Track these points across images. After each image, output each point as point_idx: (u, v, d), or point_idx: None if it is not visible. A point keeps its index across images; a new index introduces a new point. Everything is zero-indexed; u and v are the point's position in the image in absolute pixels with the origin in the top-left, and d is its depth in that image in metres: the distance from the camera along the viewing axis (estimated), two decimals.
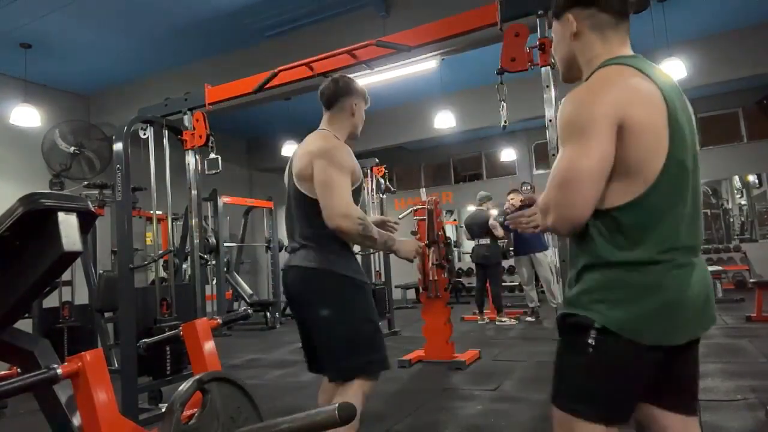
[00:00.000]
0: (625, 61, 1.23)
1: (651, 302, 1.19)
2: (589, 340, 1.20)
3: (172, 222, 4.57)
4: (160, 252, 4.90)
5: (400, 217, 6.15)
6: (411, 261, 2.12)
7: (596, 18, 1.29)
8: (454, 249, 11.57)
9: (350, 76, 2.13)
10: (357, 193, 2.04)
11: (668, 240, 1.20)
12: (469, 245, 13.17)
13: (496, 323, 6.80)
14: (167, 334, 2.00)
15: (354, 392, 1.86)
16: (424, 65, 5.62)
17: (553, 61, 1.49)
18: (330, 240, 1.96)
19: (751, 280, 7.59)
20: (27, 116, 6.77)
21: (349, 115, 2.14)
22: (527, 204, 1.70)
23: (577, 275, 1.27)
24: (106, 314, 5.07)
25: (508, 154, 11.72)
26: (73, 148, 7.09)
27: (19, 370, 1.80)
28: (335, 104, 2.12)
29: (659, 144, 1.15)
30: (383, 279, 6.54)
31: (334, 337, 1.92)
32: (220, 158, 3.65)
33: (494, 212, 7.22)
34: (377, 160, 6.60)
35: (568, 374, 1.26)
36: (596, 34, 1.29)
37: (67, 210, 1.53)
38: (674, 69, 6.57)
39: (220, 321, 2.00)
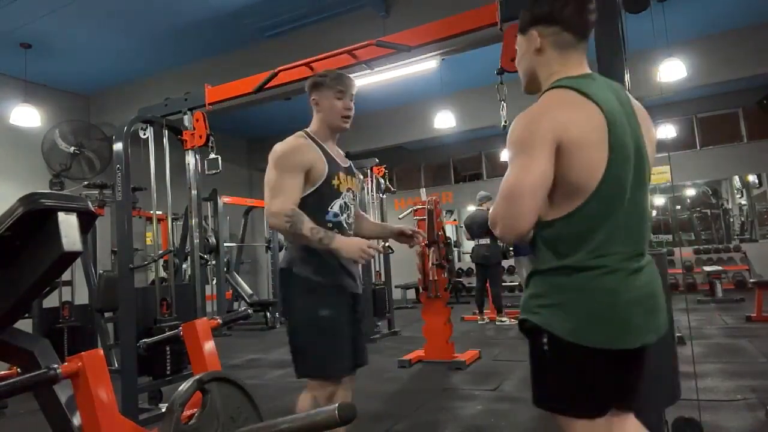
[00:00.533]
0: (570, 83, 1.30)
1: (584, 306, 1.27)
2: (544, 344, 1.29)
3: (172, 222, 4.57)
4: (160, 252, 4.90)
5: (400, 217, 6.15)
6: (356, 263, 1.95)
7: (559, 36, 1.35)
8: (454, 249, 11.57)
9: (350, 75, 2.10)
10: (322, 192, 1.95)
11: (602, 247, 1.28)
12: (469, 245, 13.17)
13: (496, 323, 6.80)
14: (167, 334, 2.00)
15: (306, 393, 1.94)
16: (424, 65, 5.61)
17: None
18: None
19: (751, 280, 7.59)
20: (27, 116, 6.77)
21: (316, 111, 2.08)
22: None
23: (527, 281, 1.39)
24: (106, 314, 5.07)
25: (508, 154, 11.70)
26: (73, 148, 7.09)
27: (19, 370, 1.80)
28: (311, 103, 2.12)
29: (597, 161, 1.23)
30: (383, 279, 6.54)
31: (288, 333, 2.02)
32: (220, 158, 3.65)
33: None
34: (377, 160, 6.60)
35: (537, 376, 1.35)
36: (557, 51, 1.36)
37: (67, 210, 1.53)
38: (674, 69, 6.58)
39: (220, 321, 2.00)
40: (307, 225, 1.85)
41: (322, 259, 1.92)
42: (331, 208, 1.97)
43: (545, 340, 1.29)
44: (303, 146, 1.97)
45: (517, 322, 1.40)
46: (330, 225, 1.95)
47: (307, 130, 2.06)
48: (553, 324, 1.28)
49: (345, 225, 2.02)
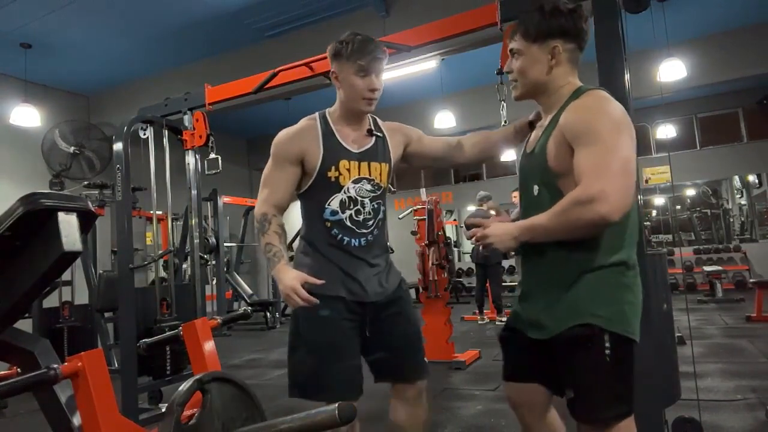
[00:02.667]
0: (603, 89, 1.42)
1: (636, 303, 1.34)
2: (606, 348, 1.29)
3: (172, 222, 4.57)
4: (160, 252, 4.90)
5: (399, 217, 6.15)
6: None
7: (574, 53, 1.43)
8: (454, 249, 11.57)
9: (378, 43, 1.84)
10: (318, 186, 1.70)
11: (636, 244, 1.38)
12: (468, 245, 13.18)
13: (496, 323, 6.80)
14: (167, 334, 2.00)
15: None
16: (424, 65, 5.60)
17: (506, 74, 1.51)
18: (301, 238, 1.82)
19: (751, 280, 7.59)
20: (27, 116, 6.77)
21: (337, 88, 1.77)
22: None
23: (571, 280, 1.34)
24: (106, 314, 5.08)
25: (508, 154, 11.70)
26: (73, 148, 7.09)
27: (19, 370, 1.80)
28: None
29: None
30: None
31: None
32: (220, 158, 3.65)
33: (493, 213, 7.21)
34: None
35: (599, 385, 1.31)
36: (569, 66, 1.43)
37: (67, 210, 1.53)
38: (674, 69, 6.58)
39: (219, 321, 2.00)
40: (265, 238, 1.67)
41: (316, 262, 1.71)
42: (328, 204, 1.70)
43: (608, 344, 1.28)
44: (301, 132, 1.73)
45: (557, 334, 1.34)
46: (329, 224, 1.70)
47: (329, 109, 1.79)
48: (617, 324, 1.29)
49: (351, 223, 1.71)
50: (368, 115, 1.79)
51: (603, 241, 1.31)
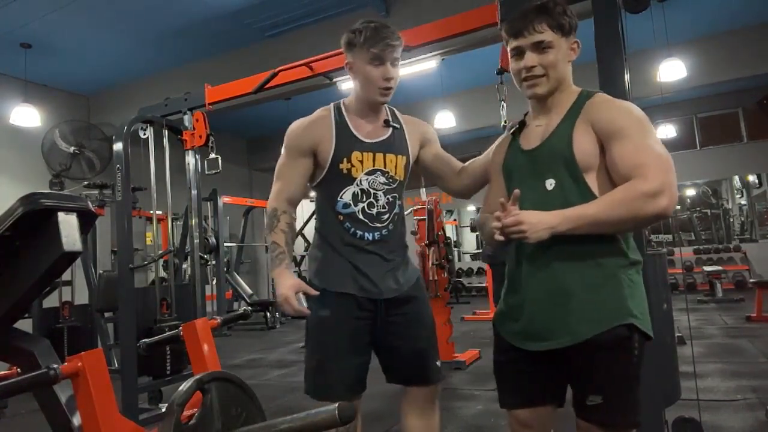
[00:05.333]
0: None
1: (646, 301, 1.34)
2: (635, 348, 1.27)
3: (172, 222, 4.57)
4: (160, 252, 4.90)
5: None
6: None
7: (576, 53, 1.43)
8: (454, 249, 11.57)
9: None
10: (330, 178, 1.65)
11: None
12: (468, 245, 13.19)
13: None
14: (167, 334, 1.99)
15: None
16: (424, 65, 5.61)
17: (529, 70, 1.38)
18: (316, 230, 1.76)
19: (751, 280, 7.60)
20: (27, 116, 6.77)
21: (351, 79, 1.71)
22: None
23: (600, 279, 1.29)
24: (106, 314, 5.07)
25: None
26: (73, 148, 7.09)
27: (19, 370, 1.80)
28: None
29: None
30: None
31: None
32: (220, 158, 3.65)
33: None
34: None
35: (629, 390, 1.28)
36: (569, 65, 1.43)
37: (67, 210, 1.53)
38: (674, 69, 6.57)
39: (219, 321, 2.00)
40: (272, 236, 1.63)
41: (327, 257, 1.67)
42: (340, 197, 1.64)
43: (636, 344, 1.27)
44: (314, 123, 1.68)
45: (588, 339, 1.26)
46: (341, 218, 1.64)
47: (344, 100, 1.74)
48: (645, 323, 1.29)
49: (363, 216, 1.64)
50: (385, 106, 1.73)
51: (625, 240, 1.32)
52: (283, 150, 1.70)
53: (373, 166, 1.66)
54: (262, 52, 6.88)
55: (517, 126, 1.52)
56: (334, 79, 3.36)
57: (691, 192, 11.45)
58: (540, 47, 1.35)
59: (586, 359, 1.28)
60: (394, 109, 1.80)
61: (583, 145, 1.31)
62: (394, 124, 1.73)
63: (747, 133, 9.97)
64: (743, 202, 11.14)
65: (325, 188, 1.68)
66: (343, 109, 1.71)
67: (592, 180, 1.30)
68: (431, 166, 1.83)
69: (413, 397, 1.73)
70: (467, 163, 1.79)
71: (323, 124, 1.67)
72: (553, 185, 1.34)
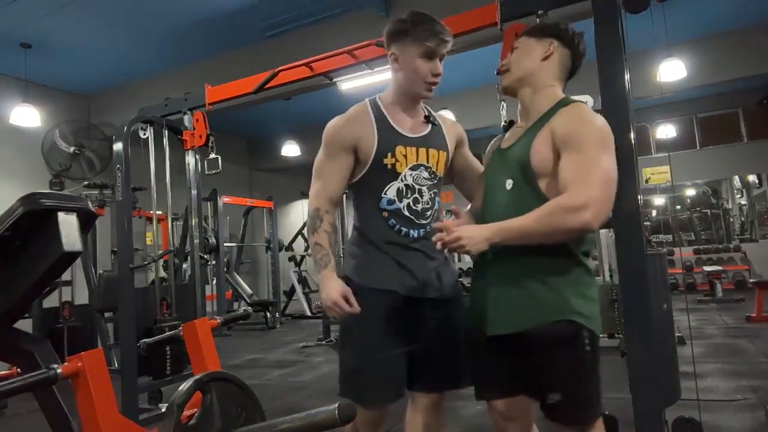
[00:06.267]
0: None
1: (595, 294, 1.41)
2: (586, 345, 1.33)
3: (172, 222, 4.58)
4: (160, 252, 4.90)
5: None
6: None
7: (566, 60, 1.51)
8: None
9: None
10: (373, 174, 1.60)
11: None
12: None
13: None
14: (167, 334, 1.99)
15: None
16: None
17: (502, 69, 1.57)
18: (354, 228, 1.70)
19: (751, 280, 7.60)
20: (27, 116, 6.77)
21: (393, 70, 1.66)
22: None
23: (548, 274, 1.37)
24: (106, 314, 5.07)
25: None
26: (73, 148, 7.09)
27: (19, 370, 1.80)
28: None
29: None
30: None
31: None
32: (220, 158, 3.65)
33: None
34: None
35: (585, 385, 1.34)
36: (560, 69, 1.50)
37: (67, 210, 1.53)
38: (674, 69, 6.58)
39: (220, 321, 2.00)
40: (315, 237, 1.59)
41: (368, 255, 1.61)
42: (384, 193, 1.60)
43: (587, 341, 1.32)
44: (354, 118, 1.64)
45: (540, 329, 1.34)
46: (386, 214, 1.60)
47: (380, 95, 1.70)
48: (593, 322, 1.35)
49: (409, 213, 1.60)
50: (422, 103, 1.71)
51: (576, 242, 1.39)
52: (321, 148, 1.65)
53: (417, 160, 1.62)
54: (262, 52, 6.87)
55: (507, 124, 1.67)
56: (334, 79, 3.36)
57: (691, 192, 11.45)
58: (512, 52, 1.57)
59: (536, 354, 1.35)
60: (429, 108, 1.78)
61: (540, 152, 1.38)
62: (434, 121, 1.72)
63: (747, 133, 9.97)
64: (743, 202, 11.13)
65: (367, 185, 1.63)
66: (380, 104, 1.67)
67: (545, 184, 1.37)
68: (460, 167, 1.82)
69: (426, 403, 1.67)
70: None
71: (363, 119, 1.63)
72: (512, 185, 1.43)
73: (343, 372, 1.64)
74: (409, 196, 1.61)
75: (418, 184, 1.63)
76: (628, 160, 1.86)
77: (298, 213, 12.02)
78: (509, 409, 1.46)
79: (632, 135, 1.93)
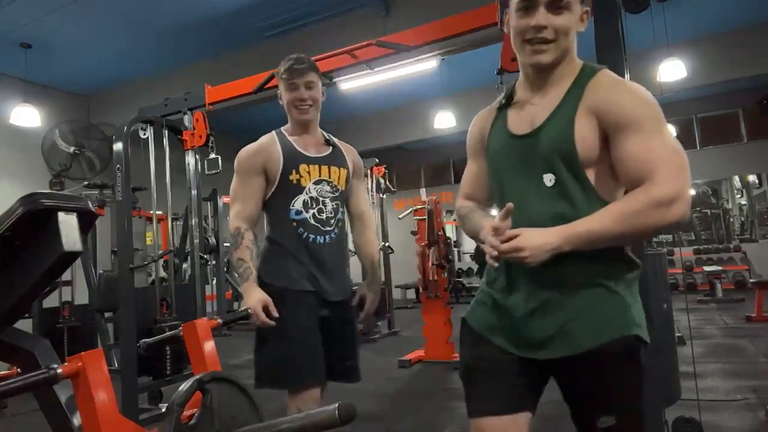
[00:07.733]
0: None
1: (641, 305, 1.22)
2: (640, 358, 1.15)
3: (172, 222, 4.57)
4: (160, 252, 4.90)
5: (399, 217, 6.14)
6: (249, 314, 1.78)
7: (585, 23, 1.23)
8: (454, 249, 11.57)
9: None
10: (282, 189, 1.84)
11: None
12: (468, 245, 13.18)
13: None
14: (167, 334, 1.99)
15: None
16: (424, 65, 5.62)
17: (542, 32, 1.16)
18: (267, 239, 1.92)
19: (751, 280, 7.60)
20: (27, 116, 6.77)
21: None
22: None
23: (607, 283, 1.14)
24: (106, 314, 5.07)
25: None
26: (73, 148, 7.08)
27: (19, 370, 1.80)
28: None
29: None
30: (383, 279, 6.55)
31: None
32: (220, 158, 3.65)
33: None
34: (377, 160, 6.60)
35: (638, 400, 1.17)
36: (575, 37, 1.22)
37: (67, 210, 1.53)
38: (674, 69, 6.58)
39: (220, 321, 2.00)
40: (238, 253, 1.81)
41: (283, 260, 1.83)
42: (292, 205, 1.84)
43: (642, 356, 1.14)
44: (260, 146, 1.89)
45: (605, 346, 1.12)
46: (295, 224, 1.83)
47: (283, 127, 1.98)
48: (645, 332, 1.16)
49: (315, 222, 1.84)
50: (321, 131, 1.97)
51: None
52: (235, 175, 1.89)
53: (320, 176, 1.88)
54: (262, 52, 6.88)
55: (504, 100, 1.30)
56: (334, 79, 3.37)
57: (691, 192, 11.46)
58: (556, 6, 1.15)
59: (589, 373, 1.14)
60: (330, 135, 2.03)
61: (586, 136, 1.12)
62: (333, 144, 1.98)
63: (747, 133, 9.98)
64: (743, 202, 11.14)
65: (278, 199, 1.86)
66: (285, 133, 1.93)
67: (592, 175, 1.14)
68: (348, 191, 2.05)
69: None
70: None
71: (270, 145, 1.88)
72: (553, 181, 1.15)
73: (264, 365, 1.91)
74: (314, 206, 1.85)
75: (322, 197, 1.87)
76: None
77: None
78: (504, 428, 1.21)
79: None
